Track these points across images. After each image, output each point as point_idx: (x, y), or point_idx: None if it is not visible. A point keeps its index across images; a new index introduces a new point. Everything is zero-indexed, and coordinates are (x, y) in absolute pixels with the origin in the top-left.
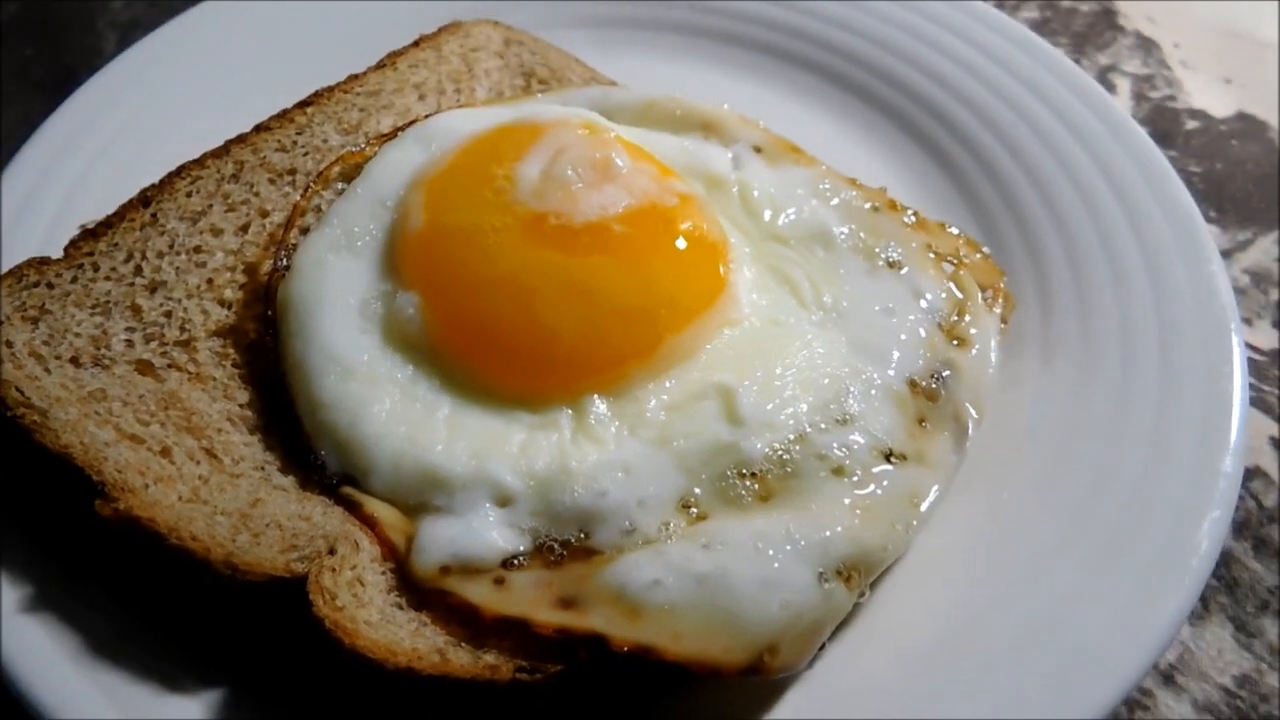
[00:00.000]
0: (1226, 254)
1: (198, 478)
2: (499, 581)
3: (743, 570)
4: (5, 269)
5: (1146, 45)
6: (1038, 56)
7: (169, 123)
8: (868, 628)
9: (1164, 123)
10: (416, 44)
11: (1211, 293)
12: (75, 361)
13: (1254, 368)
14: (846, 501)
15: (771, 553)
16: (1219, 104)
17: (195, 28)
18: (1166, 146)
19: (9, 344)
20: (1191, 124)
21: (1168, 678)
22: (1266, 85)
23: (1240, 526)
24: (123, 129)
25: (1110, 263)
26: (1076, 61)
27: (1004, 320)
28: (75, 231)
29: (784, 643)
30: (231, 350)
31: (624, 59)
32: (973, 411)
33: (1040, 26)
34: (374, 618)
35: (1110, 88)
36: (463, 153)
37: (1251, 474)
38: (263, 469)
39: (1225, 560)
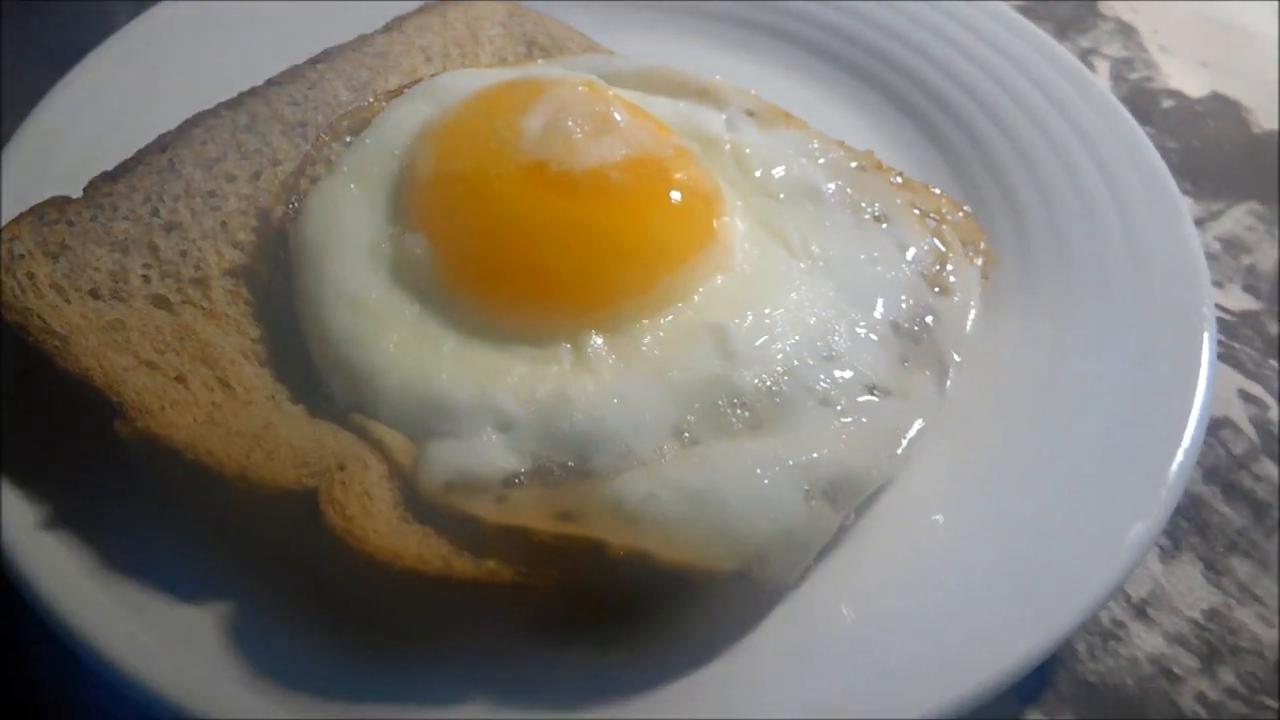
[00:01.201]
0: (1200, 222)
1: (211, 403)
2: (500, 499)
3: (733, 486)
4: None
5: (1126, 30)
6: (1019, 33)
7: (183, 83)
8: (852, 551)
9: (1142, 102)
10: (423, 10)
11: (1183, 250)
12: (95, 294)
13: (1225, 327)
14: (832, 427)
15: (760, 471)
16: (1195, 85)
17: None
18: (1144, 124)
19: (30, 275)
20: (1168, 103)
21: (1140, 611)
22: (1242, 69)
23: (1211, 473)
24: (136, 90)
25: (1088, 221)
26: None
27: (984, 276)
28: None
29: (772, 555)
30: (244, 289)
31: (622, 37)
32: (954, 355)
33: (1024, 13)
34: (381, 527)
35: (1090, 69)
36: (468, 106)
37: (1221, 424)
38: (273, 398)
39: (1196, 504)
